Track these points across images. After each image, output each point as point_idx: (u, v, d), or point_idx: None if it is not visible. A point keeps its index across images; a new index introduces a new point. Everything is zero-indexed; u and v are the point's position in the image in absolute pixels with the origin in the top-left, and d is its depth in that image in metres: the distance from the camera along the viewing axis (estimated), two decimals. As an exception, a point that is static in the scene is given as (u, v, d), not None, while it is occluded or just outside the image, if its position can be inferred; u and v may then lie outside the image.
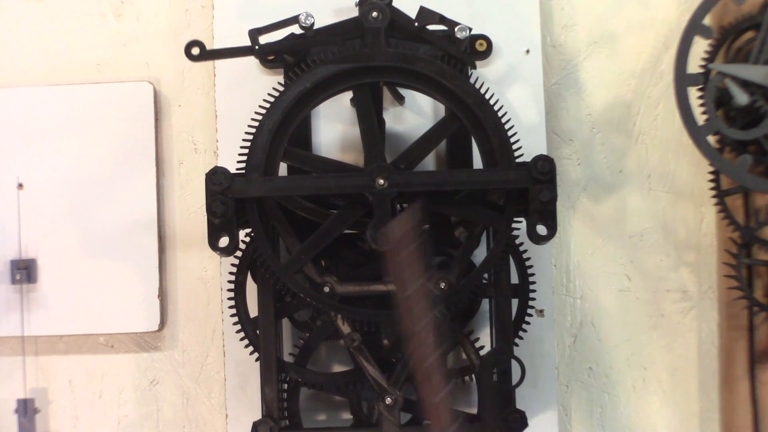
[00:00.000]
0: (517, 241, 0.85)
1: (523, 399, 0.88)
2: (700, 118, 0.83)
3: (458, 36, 0.84)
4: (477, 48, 0.93)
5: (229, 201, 0.77)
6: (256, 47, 0.83)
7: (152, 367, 0.98)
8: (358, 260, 0.85)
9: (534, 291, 0.88)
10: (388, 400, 0.82)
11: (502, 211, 0.80)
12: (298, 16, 0.82)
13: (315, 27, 0.84)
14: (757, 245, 0.88)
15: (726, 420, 0.94)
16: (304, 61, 0.82)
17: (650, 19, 0.97)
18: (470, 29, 0.84)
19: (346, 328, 0.82)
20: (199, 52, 0.84)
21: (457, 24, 0.84)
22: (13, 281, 0.95)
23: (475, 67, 0.89)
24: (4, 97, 0.98)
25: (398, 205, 0.81)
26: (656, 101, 0.97)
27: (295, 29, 0.84)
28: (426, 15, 0.84)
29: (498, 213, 0.80)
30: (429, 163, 0.94)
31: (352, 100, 0.87)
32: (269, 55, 0.85)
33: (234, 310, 0.87)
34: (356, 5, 0.84)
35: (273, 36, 0.84)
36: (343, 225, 0.80)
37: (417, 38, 0.84)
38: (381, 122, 0.87)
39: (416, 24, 0.83)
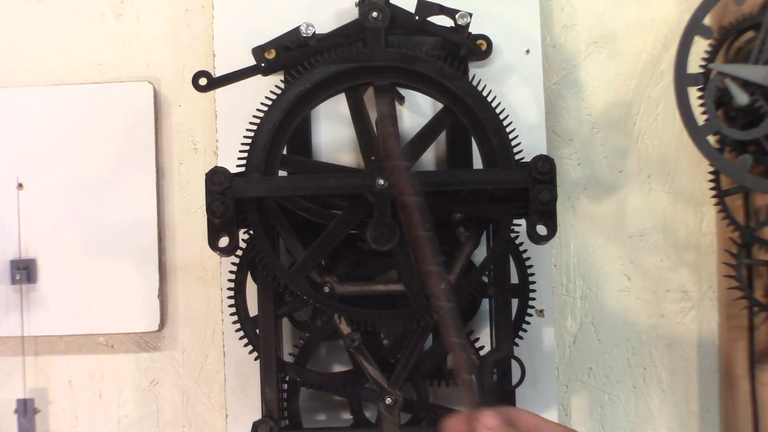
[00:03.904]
0: (517, 241, 0.85)
1: (523, 399, 0.88)
2: (700, 118, 0.83)
3: (459, 23, 0.84)
4: (477, 47, 0.93)
5: (229, 201, 0.77)
6: (262, 65, 0.83)
7: (152, 367, 0.98)
8: (358, 260, 0.85)
9: (534, 291, 0.88)
10: (388, 400, 0.82)
11: (503, 203, 0.80)
12: (299, 27, 0.83)
13: (317, 33, 0.84)
14: (757, 245, 0.88)
15: (726, 420, 0.94)
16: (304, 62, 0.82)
17: (650, 19, 0.98)
18: (471, 15, 0.84)
19: (346, 328, 0.82)
20: (206, 82, 0.84)
21: (458, 11, 0.84)
22: (13, 281, 0.95)
23: (479, 54, 0.88)
24: (4, 97, 0.98)
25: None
26: (656, 101, 0.97)
27: (296, 23, 0.84)
28: (425, 7, 0.84)
29: (500, 205, 0.80)
30: (429, 162, 0.94)
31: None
32: (275, 72, 0.85)
33: (234, 309, 0.87)
34: (356, 5, 0.84)
35: (272, 33, 0.84)
36: (347, 228, 0.79)
37: (419, 31, 0.84)
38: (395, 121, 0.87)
39: (416, 17, 0.83)
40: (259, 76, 0.85)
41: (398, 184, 0.67)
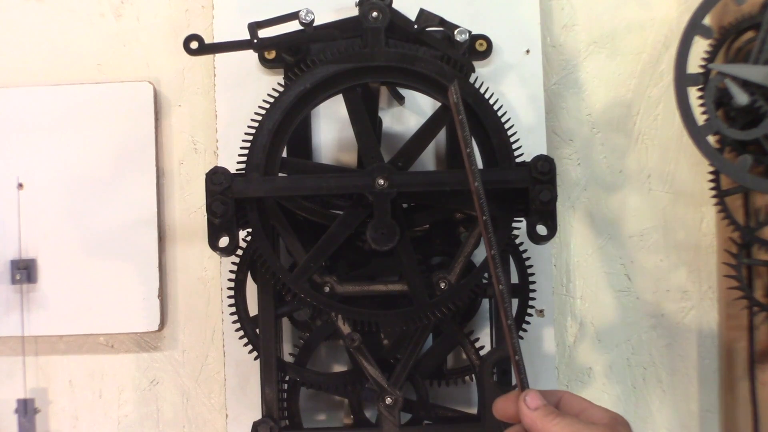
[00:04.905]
0: (517, 241, 0.85)
1: (523, 399, 0.88)
2: (700, 118, 0.83)
3: (458, 39, 0.84)
4: (477, 48, 0.93)
5: (229, 201, 0.77)
6: (255, 41, 0.83)
7: (152, 367, 0.98)
8: (358, 260, 0.85)
9: (534, 291, 0.88)
10: (388, 400, 0.82)
11: (503, 203, 0.80)
12: (298, 12, 0.82)
13: (315, 25, 0.84)
14: (757, 245, 0.88)
15: (726, 420, 0.94)
16: (304, 61, 0.82)
17: (650, 19, 0.98)
18: (470, 32, 0.84)
19: (346, 328, 0.82)
20: (197, 46, 0.84)
21: (457, 27, 0.84)
22: (13, 281, 0.95)
23: (473, 71, 0.89)
24: (4, 97, 0.98)
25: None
26: (656, 101, 0.97)
27: (295, 25, 0.84)
28: (426, 17, 0.83)
29: (500, 205, 0.80)
30: (429, 162, 0.94)
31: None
32: (268, 50, 0.85)
33: (234, 309, 0.87)
34: (356, 5, 0.84)
35: (272, 33, 0.84)
36: (348, 229, 0.79)
37: (416, 40, 0.84)
38: (378, 123, 0.87)
39: (416, 26, 0.83)
40: (259, 76, 0.85)
41: (477, 206, 0.69)
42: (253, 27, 0.83)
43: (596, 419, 0.65)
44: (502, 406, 0.67)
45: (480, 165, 0.79)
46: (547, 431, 0.63)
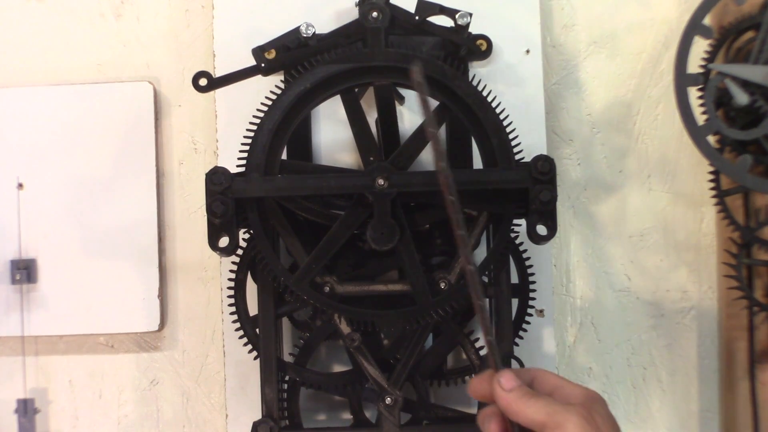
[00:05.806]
0: (517, 241, 0.85)
1: (523, 399, 0.88)
2: (700, 118, 0.83)
3: (459, 23, 0.84)
4: (477, 48, 0.93)
5: (229, 201, 0.77)
6: (262, 65, 0.83)
7: (152, 367, 0.98)
8: (358, 260, 0.85)
9: (534, 291, 0.88)
10: (388, 400, 0.82)
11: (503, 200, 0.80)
12: (299, 27, 0.83)
13: (317, 33, 0.84)
14: (757, 245, 0.88)
15: (726, 420, 0.94)
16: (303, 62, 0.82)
17: (650, 19, 0.98)
18: (471, 14, 0.84)
19: (346, 328, 0.82)
20: (207, 83, 0.84)
21: (458, 11, 0.84)
22: (13, 281, 0.95)
23: (480, 54, 0.88)
24: (4, 97, 0.98)
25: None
26: (656, 101, 0.97)
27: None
28: (425, 7, 0.84)
29: (500, 202, 0.79)
30: (429, 162, 0.94)
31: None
32: (275, 72, 0.85)
33: (234, 308, 0.87)
34: (356, 5, 0.84)
35: (272, 33, 0.84)
36: (349, 230, 0.79)
37: (419, 31, 0.84)
38: (394, 122, 0.87)
39: (416, 17, 0.83)
40: (259, 76, 0.85)
41: (442, 184, 0.67)
42: (258, 52, 0.83)
43: (572, 398, 0.63)
44: (477, 386, 0.65)
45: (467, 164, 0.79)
46: (522, 413, 0.61)
